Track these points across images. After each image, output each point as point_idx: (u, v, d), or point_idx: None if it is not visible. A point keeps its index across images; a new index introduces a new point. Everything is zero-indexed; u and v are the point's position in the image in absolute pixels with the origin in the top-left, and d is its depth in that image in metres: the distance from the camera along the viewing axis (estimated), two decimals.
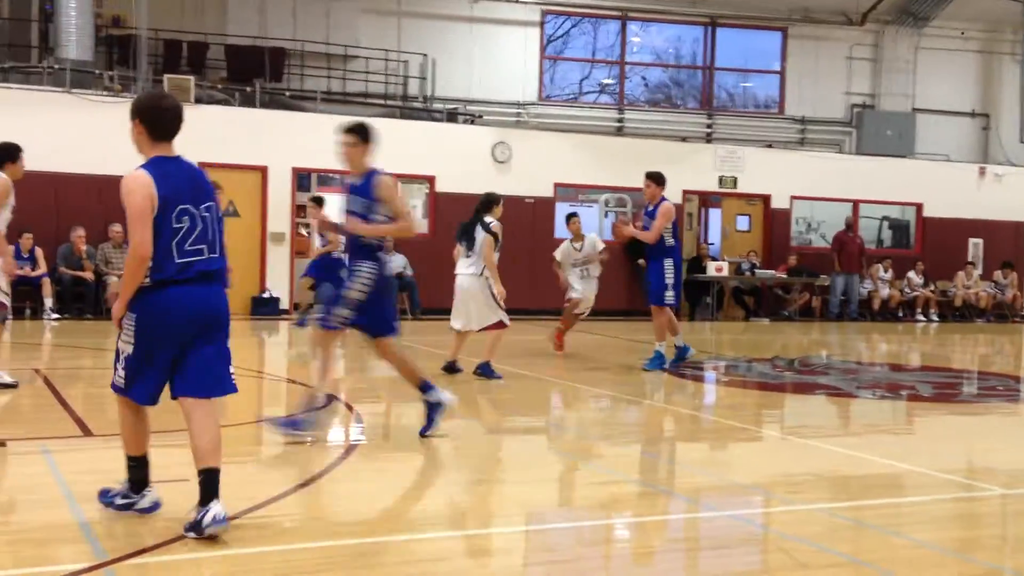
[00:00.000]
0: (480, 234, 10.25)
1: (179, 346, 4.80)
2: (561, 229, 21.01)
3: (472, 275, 10.28)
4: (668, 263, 11.18)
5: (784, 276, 20.82)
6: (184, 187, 4.94)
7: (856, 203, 22.19)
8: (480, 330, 10.38)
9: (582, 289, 12.90)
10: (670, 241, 11.23)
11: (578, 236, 13.01)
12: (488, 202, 10.62)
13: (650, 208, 11.25)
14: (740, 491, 6.24)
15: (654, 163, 20.97)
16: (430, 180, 19.24)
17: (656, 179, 11.29)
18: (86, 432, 7.22)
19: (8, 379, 8.91)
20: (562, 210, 20.77)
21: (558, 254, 13.07)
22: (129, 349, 4.81)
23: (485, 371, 10.30)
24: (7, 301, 8.72)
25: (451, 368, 10.44)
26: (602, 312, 19.43)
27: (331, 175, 19.99)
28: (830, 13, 23.56)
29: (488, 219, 10.39)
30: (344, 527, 5.13)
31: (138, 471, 5.07)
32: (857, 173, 21.93)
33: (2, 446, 6.72)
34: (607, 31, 23.73)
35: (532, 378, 10.93)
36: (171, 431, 7.44)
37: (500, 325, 10.37)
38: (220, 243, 4.96)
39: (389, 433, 8.22)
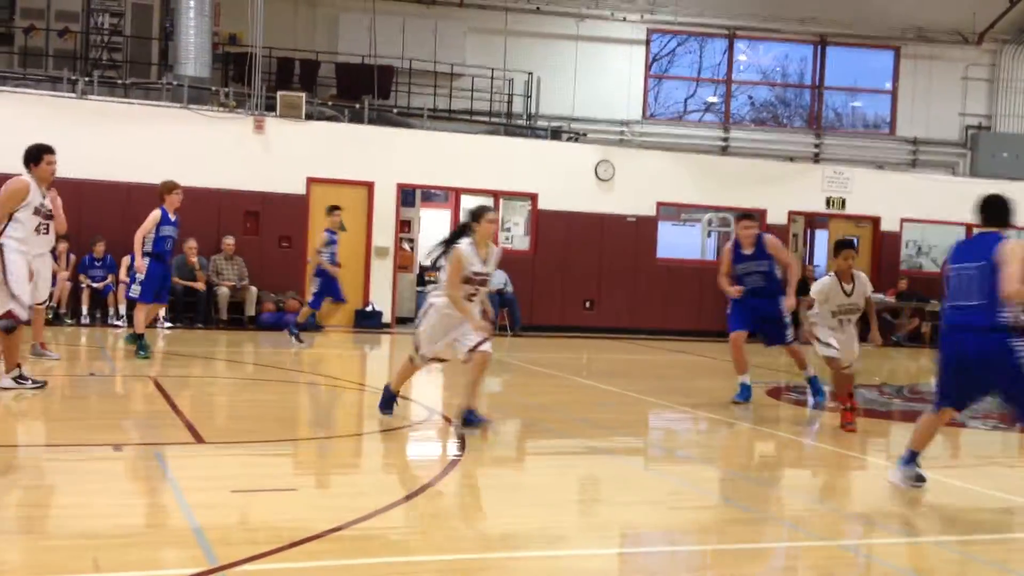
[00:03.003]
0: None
1: None
2: (668, 248, 21.03)
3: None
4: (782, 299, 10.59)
5: (893, 300, 20.36)
6: None
7: (969, 227, 21.55)
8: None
9: (840, 345, 9.61)
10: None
11: (847, 275, 9.50)
12: (465, 225, 8.10)
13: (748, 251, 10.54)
14: (844, 520, 6.13)
15: (759, 183, 20.94)
16: (533, 197, 19.33)
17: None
18: (198, 439, 7.42)
19: (9, 383, 8.88)
20: (665, 230, 20.77)
21: (818, 293, 9.55)
22: None
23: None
24: (20, 312, 8.80)
25: (470, 420, 8.15)
26: (701, 333, 19.31)
27: (435, 191, 20.26)
28: (945, 32, 23.01)
29: (463, 239, 7.94)
30: (446, 542, 5.18)
31: None
32: (971, 196, 21.05)
33: (117, 450, 6.96)
34: (713, 49, 23.56)
35: (630, 397, 10.87)
36: (276, 440, 7.61)
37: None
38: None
39: (488, 448, 8.27)
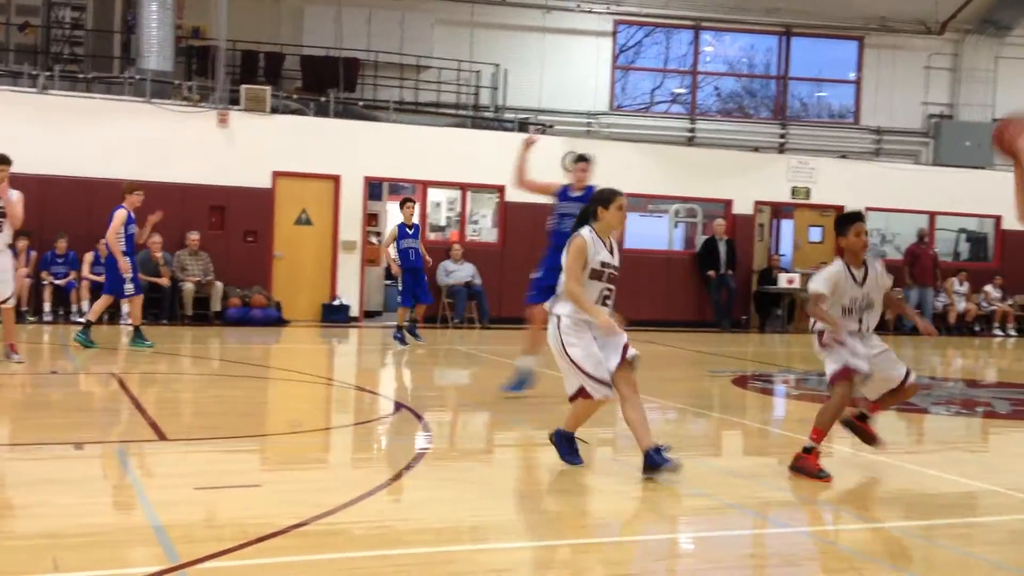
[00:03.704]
0: None
1: None
2: (636, 239, 20.99)
3: None
4: None
5: None
6: None
7: (933, 215, 21.80)
8: None
9: (869, 358, 6.82)
10: None
11: (858, 258, 6.93)
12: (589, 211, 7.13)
13: None
14: (810, 507, 6.17)
15: (726, 173, 21.03)
16: (500, 190, 19.30)
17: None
18: (161, 436, 7.36)
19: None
20: (632, 221, 20.79)
21: (824, 283, 6.80)
22: None
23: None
24: None
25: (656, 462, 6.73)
26: (670, 323, 19.39)
27: (403, 184, 20.18)
28: (908, 22, 23.18)
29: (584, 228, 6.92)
30: (412, 535, 5.16)
31: None
32: (934, 184, 21.54)
33: (78, 448, 6.89)
34: (680, 40, 23.61)
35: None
36: (241, 437, 7.56)
37: None
38: None
39: (456, 441, 8.27)
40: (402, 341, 14.25)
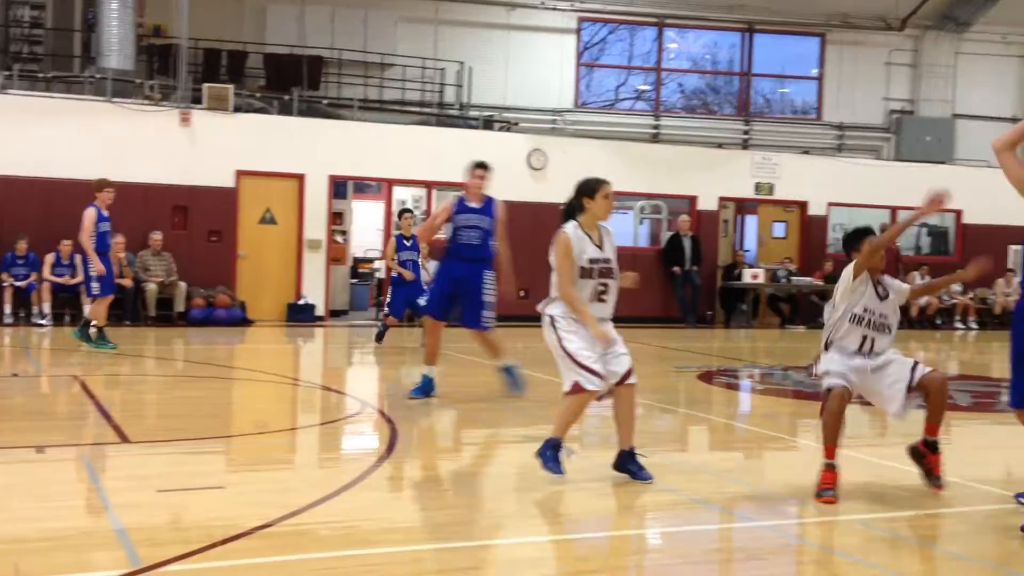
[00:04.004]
0: None
1: None
2: None
3: None
4: None
5: (820, 283, 20.67)
6: None
7: (894, 210, 21.96)
8: None
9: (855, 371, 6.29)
10: None
11: (877, 268, 6.41)
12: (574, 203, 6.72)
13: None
14: (775, 501, 6.21)
15: (690, 169, 21.11)
16: (466, 187, 19.25)
17: None
18: (124, 439, 7.29)
19: None
20: None
21: (843, 285, 6.36)
22: None
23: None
24: None
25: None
26: (635, 319, 19.43)
27: (368, 183, 20.11)
28: (869, 19, 23.36)
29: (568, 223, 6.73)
30: (379, 535, 5.15)
31: None
32: (895, 179, 21.72)
33: (40, 452, 6.81)
34: (643, 37, 23.67)
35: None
36: (205, 438, 7.51)
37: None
38: None
39: (423, 440, 8.24)
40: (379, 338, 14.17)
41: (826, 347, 6.38)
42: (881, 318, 6.28)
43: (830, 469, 6.06)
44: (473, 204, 9.49)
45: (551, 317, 6.35)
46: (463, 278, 9.31)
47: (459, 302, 9.41)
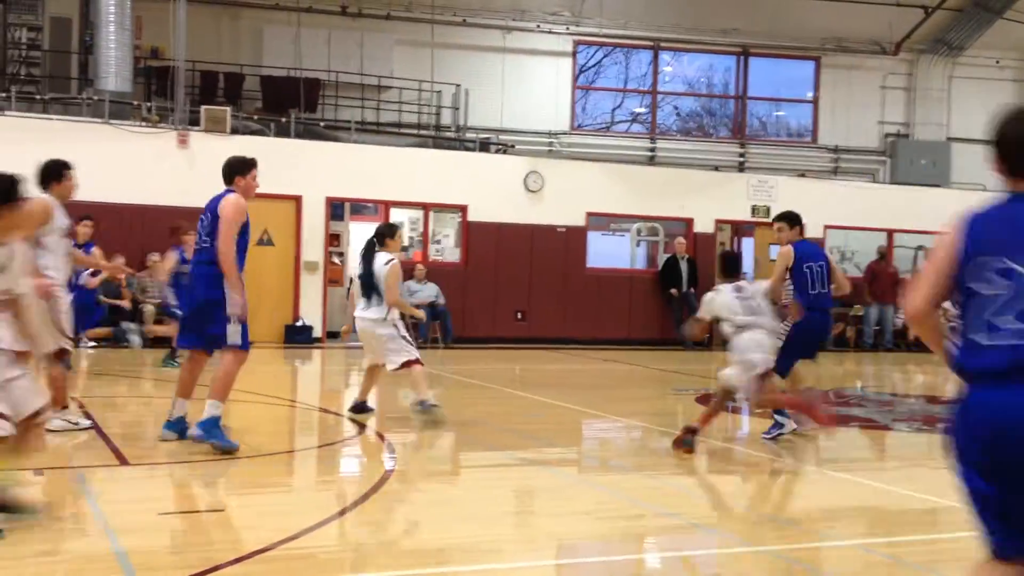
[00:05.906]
0: (380, 276, 9.20)
1: None
2: (598, 258, 21.12)
3: (374, 320, 9.26)
4: None
5: None
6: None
7: (891, 232, 22.06)
8: (394, 371, 9.38)
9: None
10: None
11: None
12: (381, 235, 9.44)
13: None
14: (774, 525, 6.20)
15: (686, 192, 21.17)
16: (462, 209, 19.32)
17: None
18: (123, 461, 7.27)
19: (84, 422, 8.63)
20: (594, 240, 20.89)
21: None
22: None
23: (424, 407, 9.31)
24: (69, 347, 8.57)
25: (361, 408, 9.61)
26: (632, 342, 19.45)
27: (365, 204, 20.14)
28: (863, 42, 23.50)
29: (385, 257, 9.25)
30: (377, 559, 5.14)
31: None
32: (891, 202, 21.81)
33: (38, 475, 6.79)
34: (639, 60, 23.78)
35: (562, 408, 10.90)
36: (204, 460, 7.49)
37: (413, 363, 9.30)
38: None
39: (420, 463, 8.23)
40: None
41: None
42: None
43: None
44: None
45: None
46: None
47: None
